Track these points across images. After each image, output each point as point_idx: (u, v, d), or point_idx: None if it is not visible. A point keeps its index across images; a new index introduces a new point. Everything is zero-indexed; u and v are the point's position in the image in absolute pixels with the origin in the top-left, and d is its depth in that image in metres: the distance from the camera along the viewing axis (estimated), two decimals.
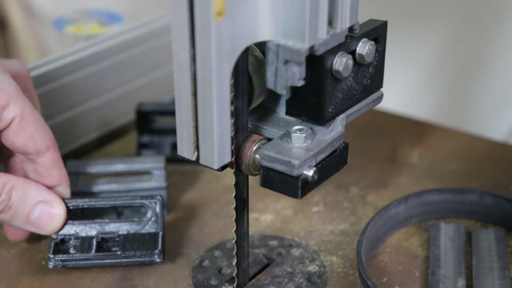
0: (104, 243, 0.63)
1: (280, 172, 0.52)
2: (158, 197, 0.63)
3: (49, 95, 0.76)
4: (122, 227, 0.63)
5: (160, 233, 0.63)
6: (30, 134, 0.59)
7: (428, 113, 1.22)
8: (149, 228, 0.63)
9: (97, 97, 0.82)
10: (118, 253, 0.62)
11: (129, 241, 0.62)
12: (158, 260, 0.62)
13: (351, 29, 0.52)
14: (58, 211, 0.61)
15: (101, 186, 0.69)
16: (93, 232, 0.63)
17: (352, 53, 0.53)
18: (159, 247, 0.62)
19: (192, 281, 0.63)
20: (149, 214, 0.63)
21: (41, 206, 0.60)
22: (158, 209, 0.63)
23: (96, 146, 0.82)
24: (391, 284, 0.62)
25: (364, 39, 0.53)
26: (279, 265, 0.64)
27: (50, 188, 0.62)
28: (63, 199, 0.62)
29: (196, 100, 0.50)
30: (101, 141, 0.83)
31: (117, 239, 0.63)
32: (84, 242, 0.62)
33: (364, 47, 0.53)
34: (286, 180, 0.52)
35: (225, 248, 0.66)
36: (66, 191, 0.63)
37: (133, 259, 0.62)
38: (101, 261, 0.62)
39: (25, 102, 0.59)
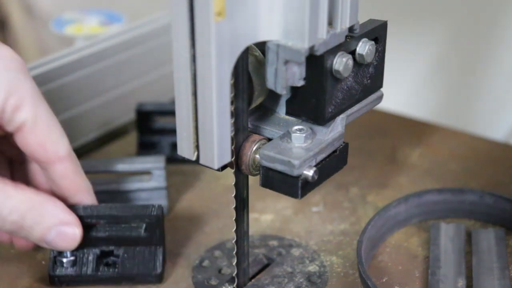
0: (102, 259, 0.62)
1: (280, 172, 0.52)
2: (154, 210, 0.61)
3: (49, 95, 0.75)
4: (121, 241, 0.61)
5: (160, 250, 0.62)
6: (40, 141, 0.57)
7: (428, 113, 1.22)
8: (147, 243, 0.61)
9: (97, 97, 0.82)
10: (116, 274, 0.61)
11: (128, 259, 0.61)
12: (156, 282, 0.62)
13: (351, 29, 0.52)
14: (74, 232, 0.59)
15: (101, 186, 0.69)
16: (91, 249, 0.61)
17: (352, 53, 0.53)
18: (158, 270, 0.61)
19: (192, 281, 0.63)
20: (143, 233, 0.61)
21: (57, 228, 0.58)
22: (155, 224, 0.61)
23: (96, 146, 0.82)
24: (391, 284, 0.62)
25: (364, 39, 0.53)
26: (279, 265, 0.64)
27: (65, 197, 0.60)
28: (77, 206, 0.60)
29: (196, 100, 0.50)
30: (101, 141, 0.83)
31: (116, 253, 0.62)
32: (83, 258, 0.61)
33: (364, 47, 0.53)
34: (286, 180, 0.52)
35: (225, 248, 0.66)
36: (85, 200, 0.61)
37: (131, 281, 0.62)
38: (99, 279, 0.61)
39: (40, 106, 0.57)
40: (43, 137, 0.57)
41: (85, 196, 0.61)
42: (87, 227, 0.60)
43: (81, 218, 0.60)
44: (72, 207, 0.60)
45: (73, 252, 0.61)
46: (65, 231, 0.58)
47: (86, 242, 0.60)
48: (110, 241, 0.61)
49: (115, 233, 0.61)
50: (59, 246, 0.59)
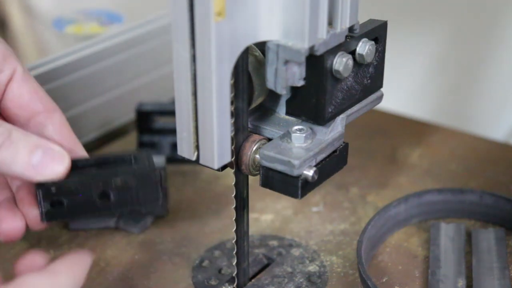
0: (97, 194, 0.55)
1: (280, 172, 0.52)
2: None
3: (49, 95, 0.75)
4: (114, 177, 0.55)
5: (158, 182, 0.55)
6: (34, 88, 0.56)
7: (428, 113, 1.22)
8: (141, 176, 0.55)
9: (97, 97, 0.82)
10: (115, 200, 0.54)
11: (125, 189, 0.54)
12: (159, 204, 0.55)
13: (351, 29, 0.52)
14: (61, 151, 0.54)
15: None
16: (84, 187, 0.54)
17: (352, 53, 0.53)
18: (159, 197, 0.54)
19: (192, 281, 0.63)
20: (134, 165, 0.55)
21: (43, 149, 0.53)
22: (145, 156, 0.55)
23: (96, 146, 0.82)
24: (391, 284, 0.62)
25: (364, 39, 0.53)
26: (279, 265, 0.64)
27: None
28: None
29: (196, 100, 0.50)
30: (101, 141, 0.83)
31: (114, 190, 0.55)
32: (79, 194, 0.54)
33: (364, 47, 0.53)
34: (286, 180, 0.52)
35: (225, 248, 0.66)
36: (83, 154, 0.57)
37: (133, 206, 0.54)
38: (98, 210, 0.54)
39: (21, 63, 0.56)
40: (35, 85, 0.56)
41: (82, 151, 0.58)
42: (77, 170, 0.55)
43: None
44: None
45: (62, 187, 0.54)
46: (52, 153, 0.54)
47: (77, 181, 0.54)
48: (103, 177, 0.55)
49: (107, 171, 0.55)
50: (46, 169, 0.53)
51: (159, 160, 0.69)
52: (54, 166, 0.54)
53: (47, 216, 0.54)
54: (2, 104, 0.57)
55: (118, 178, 0.53)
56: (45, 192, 0.53)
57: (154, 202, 0.54)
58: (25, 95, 0.56)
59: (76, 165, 0.55)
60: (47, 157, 0.53)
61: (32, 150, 0.53)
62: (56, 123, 0.57)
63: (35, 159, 0.53)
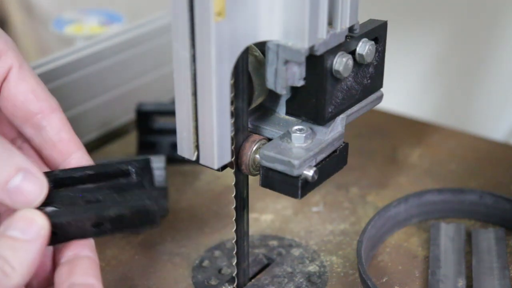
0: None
1: (280, 172, 0.52)
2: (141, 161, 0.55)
3: None
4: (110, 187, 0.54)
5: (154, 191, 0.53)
6: (31, 87, 0.54)
7: (428, 113, 1.22)
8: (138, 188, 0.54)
9: (97, 97, 0.82)
10: (110, 227, 0.52)
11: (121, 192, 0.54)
12: (150, 203, 0.52)
13: (351, 29, 0.52)
14: (41, 185, 0.51)
15: None
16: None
17: (352, 53, 0.53)
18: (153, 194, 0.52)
19: (192, 281, 0.63)
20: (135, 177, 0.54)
21: (24, 174, 0.50)
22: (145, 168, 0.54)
23: (96, 146, 0.82)
24: (391, 284, 0.62)
25: (364, 39, 0.53)
26: (279, 265, 0.64)
27: (64, 157, 0.55)
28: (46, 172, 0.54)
29: (196, 100, 0.50)
30: (101, 141, 0.83)
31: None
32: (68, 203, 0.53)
33: (364, 47, 0.53)
34: (286, 180, 0.52)
35: (225, 248, 0.66)
36: (85, 158, 0.55)
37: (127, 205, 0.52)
38: (93, 236, 0.53)
39: (23, 58, 0.54)
40: (33, 83, 0.54)
41: (84, 154, 0.55)
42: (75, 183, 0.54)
43: (69, 179, 0.54)
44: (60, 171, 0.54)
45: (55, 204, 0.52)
46: (32, 180, 0.50)
47: (70, 217, 0.52)
48: (95, 212, 0.52)
49: (103, 184, 0.54)
50: (20, 198, 0.50)
51: (159, 160, 0.69)
52: (28, 196, 0.51)
53: None
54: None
55: (111, 211, 0.52)
56: None
57: (152, 225, 0.53)
58: (19, 95, 0.54)
59: (72, 178, 0.54)
60: (25, 184, 0.50)
61: (10, 175, 0.50)
62: (54, 124, 0.55)
63: (12, 184, 0.50)
